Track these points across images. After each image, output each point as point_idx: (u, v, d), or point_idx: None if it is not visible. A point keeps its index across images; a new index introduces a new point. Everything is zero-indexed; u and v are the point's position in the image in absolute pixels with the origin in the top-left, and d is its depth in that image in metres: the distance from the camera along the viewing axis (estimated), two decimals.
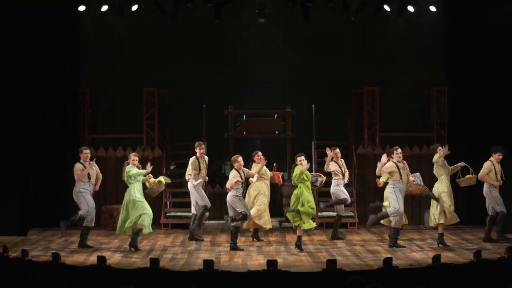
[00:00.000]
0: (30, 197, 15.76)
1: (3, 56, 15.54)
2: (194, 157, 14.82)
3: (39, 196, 16.19)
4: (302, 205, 13.25)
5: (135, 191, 13.57)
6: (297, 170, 13.33)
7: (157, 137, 17.85)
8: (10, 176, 15.42)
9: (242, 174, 13.74)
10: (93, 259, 11.61)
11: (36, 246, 13.87)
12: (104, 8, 16.47)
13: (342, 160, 15.35)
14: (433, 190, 14.03)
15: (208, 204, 14.84)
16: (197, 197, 14.74)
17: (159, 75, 18.65)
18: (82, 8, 16.59)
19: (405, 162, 13.90)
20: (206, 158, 15.06)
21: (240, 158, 13.83)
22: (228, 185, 13.61)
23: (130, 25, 17.75)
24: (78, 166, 13.87)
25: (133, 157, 13.76)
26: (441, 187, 13.93)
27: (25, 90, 15.75)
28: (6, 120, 15.51)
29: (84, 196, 13.75)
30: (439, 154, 13.98)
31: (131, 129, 18.00)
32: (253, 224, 14.66)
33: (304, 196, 13.28)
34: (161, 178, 14.20)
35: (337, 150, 15.28)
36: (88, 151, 14.08)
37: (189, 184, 14.83)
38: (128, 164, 13.70)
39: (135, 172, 13.61)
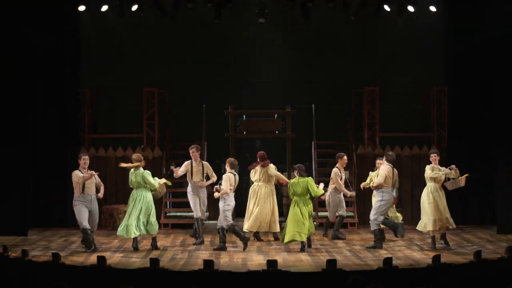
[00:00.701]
0: (30, 197, 15.74)
1: (3, 56, 15.54)
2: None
3: (39, 196, 16.19)
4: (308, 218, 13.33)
5: (150, 196, 13.59)
6: (312, 183, 13.35)
7: (157, 137, 17.85)
8: (10, 176, 15.41)
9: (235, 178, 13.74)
10: (93, 259, 11.62)
11: (36, 246, 13.87)
12: (104, 8, 16.48)
13: (344, 171, 15.25)
14: (422, 196, 13.83)
15: (198, 215, 14.46)
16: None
17: (159, 75, 18.65)
18: (82, 8, 16.60)
19: (379, 167, 14.07)
20: (206, 163, 14.76)
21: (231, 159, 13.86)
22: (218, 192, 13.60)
23: (130, 25, 17.76)
24: (76, 174, 13.49)
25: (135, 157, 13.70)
26: (429, 194, 13.68)
27: (25, 90, 15.74)
28: (6, 120, 15.50)
29: (78, 208, 13.43)
30: (435, 169, 13.84)
31: (131, 129, 18.00)
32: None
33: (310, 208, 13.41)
34: (165, 180, 14.14)
35: (345, 157, 15.22)
36: (87, 157, 13.74)
37: (188, 188, 14.70)
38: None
39: (152, 182, 13.51)
